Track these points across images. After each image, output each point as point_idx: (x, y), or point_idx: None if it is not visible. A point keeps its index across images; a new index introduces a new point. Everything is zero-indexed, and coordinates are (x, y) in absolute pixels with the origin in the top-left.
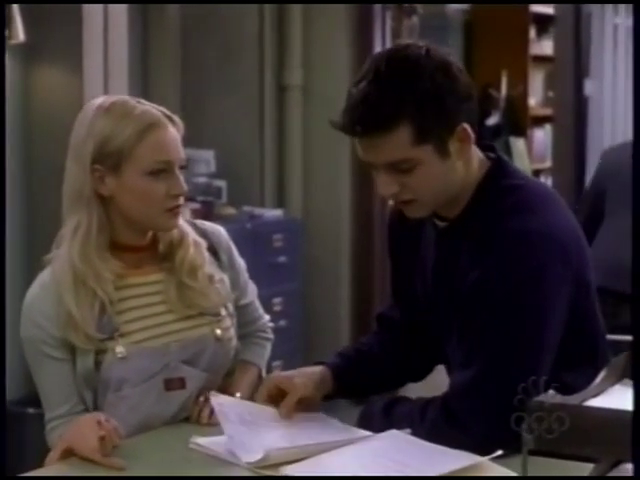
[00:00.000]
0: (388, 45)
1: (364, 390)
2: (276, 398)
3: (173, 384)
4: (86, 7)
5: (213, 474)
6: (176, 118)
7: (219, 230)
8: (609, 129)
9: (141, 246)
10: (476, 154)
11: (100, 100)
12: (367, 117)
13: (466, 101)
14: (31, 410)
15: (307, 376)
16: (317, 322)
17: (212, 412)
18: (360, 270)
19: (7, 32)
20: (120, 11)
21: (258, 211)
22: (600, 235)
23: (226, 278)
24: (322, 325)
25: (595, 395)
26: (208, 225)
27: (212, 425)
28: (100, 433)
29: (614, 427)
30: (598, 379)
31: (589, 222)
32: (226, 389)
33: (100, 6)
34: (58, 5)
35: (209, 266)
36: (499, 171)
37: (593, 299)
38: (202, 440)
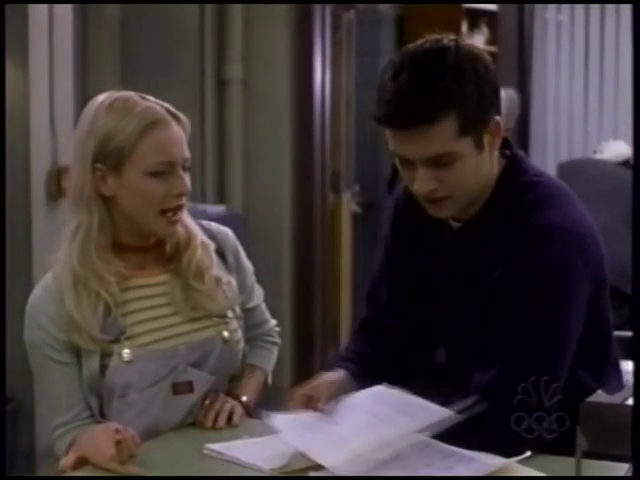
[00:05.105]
0: (328, 40)
1: None
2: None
3: (181, 388)
4: (32, 5)
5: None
6: (182, 116)
7: (226, 231)
8: (552, 124)
9: (146, 247)
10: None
11: (103, 96)
12: (413, 108)
13: (497, 94)
14: None
15: (333, 385)
16: None
17: (217, 416)
18: (301, 265)
19: None
20: (65, 7)
21: (200, 207)
22: None
23: (233, 280)
24: None
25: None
26: (214, 226)
27: (217, 429)
28: (116, 437)
29: None
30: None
31: None
32: (232, 393)
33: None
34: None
35: (216, 268)
36: (515, 169)
37: (607, 297)
38: (216, 446)
